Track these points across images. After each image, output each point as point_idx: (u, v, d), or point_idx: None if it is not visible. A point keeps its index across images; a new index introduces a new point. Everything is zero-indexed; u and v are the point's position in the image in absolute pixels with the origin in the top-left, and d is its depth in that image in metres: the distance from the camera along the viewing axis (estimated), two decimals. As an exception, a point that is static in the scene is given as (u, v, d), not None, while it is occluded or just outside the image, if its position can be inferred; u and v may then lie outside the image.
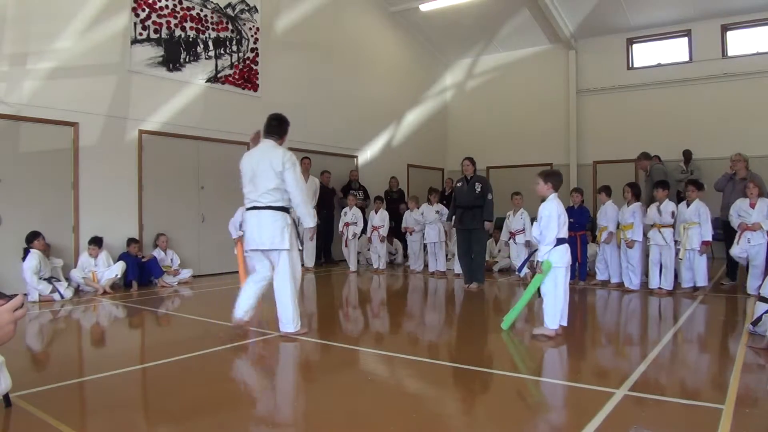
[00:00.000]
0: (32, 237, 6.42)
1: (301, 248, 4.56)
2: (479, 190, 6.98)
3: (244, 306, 4.33)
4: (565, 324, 4.36)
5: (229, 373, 3.66)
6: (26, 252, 6.37)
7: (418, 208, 9.12)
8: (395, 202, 11.04)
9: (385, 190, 11.20)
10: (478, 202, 6.98)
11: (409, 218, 9.26)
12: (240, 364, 3.87)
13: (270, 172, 4.20)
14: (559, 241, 4.33)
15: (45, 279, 6.40)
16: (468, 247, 7.15)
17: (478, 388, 3.33)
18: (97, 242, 7.05)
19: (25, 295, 6.29)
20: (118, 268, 7.09)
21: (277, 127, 4.47)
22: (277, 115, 4.53)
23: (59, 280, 6.61)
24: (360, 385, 3.31)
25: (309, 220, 4.42)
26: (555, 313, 4.29)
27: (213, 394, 3.20)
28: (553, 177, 4.50)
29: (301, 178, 4.33)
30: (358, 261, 9.75)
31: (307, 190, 9.93)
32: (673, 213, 6.58)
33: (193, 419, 2.73)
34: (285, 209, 4.27)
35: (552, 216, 4.30)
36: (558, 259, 4.30)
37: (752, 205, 6.37)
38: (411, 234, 9.26)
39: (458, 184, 7.23)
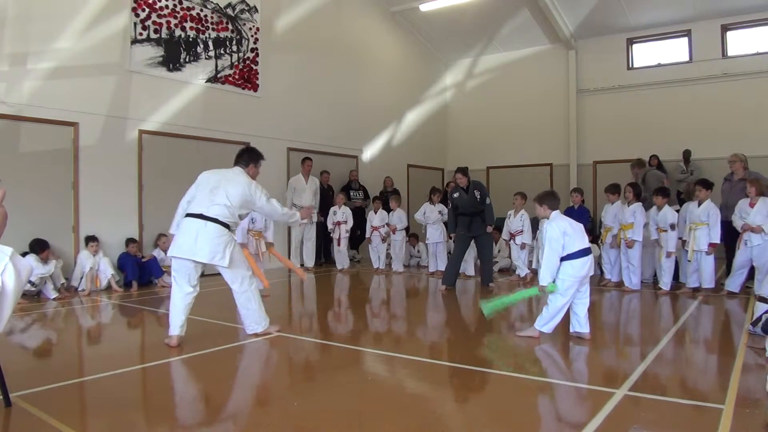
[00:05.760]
0: (40, 246, 6.39)
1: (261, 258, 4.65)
2: (479, 196, 7.17)
3: (177, 322, 4.22)
4: (585, 330, 4.30)
5: (229, 373, 3.66)
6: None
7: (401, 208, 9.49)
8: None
9: (380, 190, 11.16)
10: (481, 207, 7.20)
11: (393, 218, 9.35)
12: (239, 364, 3.87)
13: (240, 196, 4.23)
14: (578, 254, 4.19)
15: (30, 281, 6.33)
16: (464, 252, 7.43)
17: (478, 388, 3.33)
18: (94, 239, 7.05)
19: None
20: (108, 266, 7.06)
21: (245, 155, 4.50)
22: (248, 146, 4.71)
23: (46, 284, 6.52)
24: (360, 385, 3.31)
25: (291, 218, 4.61)
26: (548, 319, 4.26)
27: (212, 394, 3.20)
28: (547, 198, 4.41)
29: (270, 200, 4.39)
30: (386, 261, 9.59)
31: (308, 191, 9.92)
32: (673, 225, 6.59)
33: (192, 419, 2.73)
34: (229, 227, 4.25)
35: (554, 238, 4.17)
36: (572, 273, 4.17)
37: (751, 205, 6.36)
38: (394, 233, 9.29)
39: (455, 195, 7.31)
